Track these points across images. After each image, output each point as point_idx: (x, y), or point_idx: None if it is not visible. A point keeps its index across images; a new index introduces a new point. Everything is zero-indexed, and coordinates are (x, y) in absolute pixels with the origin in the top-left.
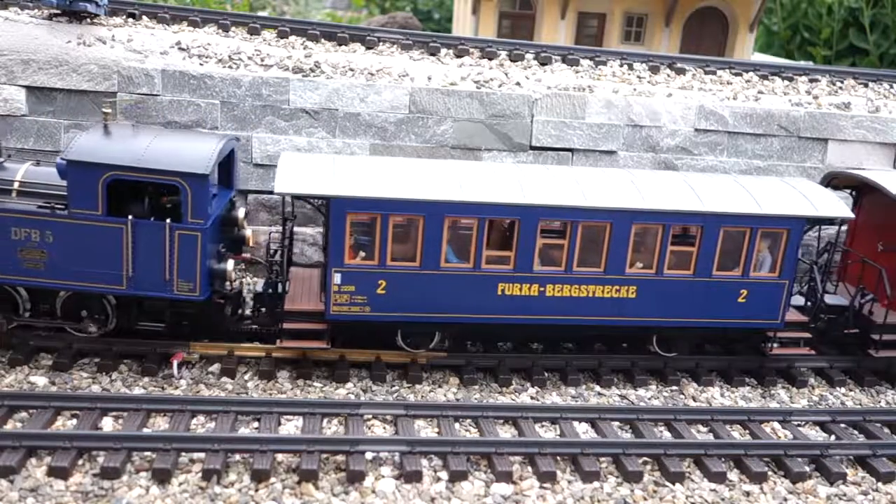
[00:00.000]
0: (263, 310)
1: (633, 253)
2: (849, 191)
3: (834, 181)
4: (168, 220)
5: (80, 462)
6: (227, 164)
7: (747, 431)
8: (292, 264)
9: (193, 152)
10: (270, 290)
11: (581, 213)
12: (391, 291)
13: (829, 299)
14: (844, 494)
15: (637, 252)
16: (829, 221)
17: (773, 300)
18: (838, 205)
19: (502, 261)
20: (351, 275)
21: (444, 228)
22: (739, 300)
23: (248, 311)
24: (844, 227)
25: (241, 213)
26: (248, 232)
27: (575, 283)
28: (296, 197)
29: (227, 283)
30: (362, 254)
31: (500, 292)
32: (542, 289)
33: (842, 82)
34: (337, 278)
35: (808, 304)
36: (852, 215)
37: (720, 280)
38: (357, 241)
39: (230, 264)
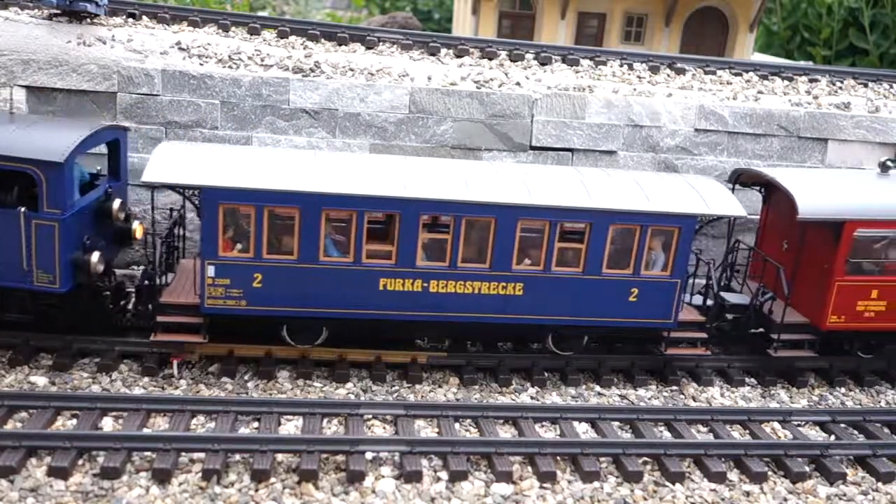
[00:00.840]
0: (142, 302)
1: (519, 249)
2: (757, 188)
3: (741, 178)
4: (23, 209)
5: (80, 462)
6: (113, 154)
7: (747, 431)
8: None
9: (52, 140)
10: (147, 282)
11: (464, 208)
12: (268, 285)
13: (733, 298)
14: (844, 494)
15: (524, 249)
16: (729, 219)
17: (665, 299)
18: (731, 203)
19: (384, 255)
20: (225, 267)
21: (322, 221)
22: (631, 299)
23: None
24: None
25: (115, 204)
26: (135, 225)
27: (459, 280)
28: (164, 186)
29: (95, 275)
30: (239, 246)
31: (382, 287)
32: (425, 284)
33: (842, 82)
34: (211, 271)
35: (706, 303)
36: (745, 214)
37: (610, 278)
38: (233, 232)
39: (95, 256)
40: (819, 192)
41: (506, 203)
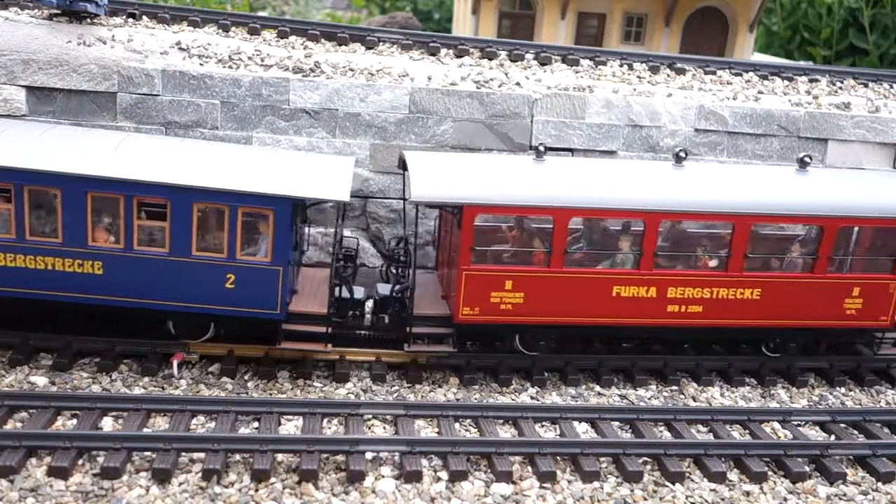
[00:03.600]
0: None
1: (95, 224)
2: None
3: (402, 161)
4: None
5: (80, 462)
6: None
7: (747, 431)
8: None
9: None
10: None
11: (27, 177)
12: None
13: (382, 289)
14: (844, 494)
15: (103, 224)
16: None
17: (266, 287)
18: (337, 187)
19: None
20: None
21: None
22: (228, 285)
23: None
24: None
25: None
26: None
27: (30, 254)
28: None
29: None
30: None
31: None
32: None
33: (842, 82)
34: None
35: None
36: (347, 199)
37: (201, 261)
38: None
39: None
40: (441, 174)
41: (74, 174)
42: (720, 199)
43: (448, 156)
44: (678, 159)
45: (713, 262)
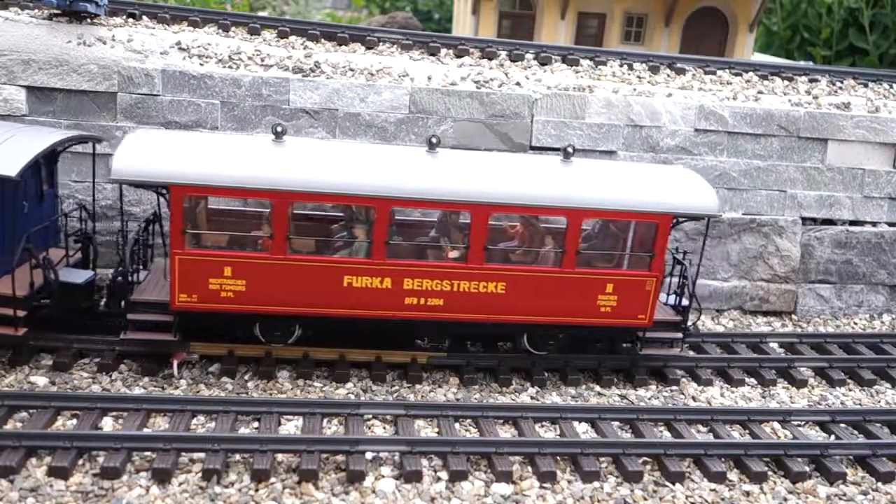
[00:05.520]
0: None
1: None
2: None
3: None
4: None
5: (80, 462)
6: None
7: (747, 431)
8: None
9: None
10: None
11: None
12: None
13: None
14: (844, 494)
15: None
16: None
17: None
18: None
19: None
20: None
21: None
22: None
23: None
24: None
25: None
26: None
27: None
28: None
29: None
30: None
31: None
32: None
33: (842, 82)
34: None
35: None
36: (13, 175)
37: None
38: None
39: None
40: (150, 151)
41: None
42: (459, 188)
43: (170, 134)
44: (431, 146)
45: (454, 254)
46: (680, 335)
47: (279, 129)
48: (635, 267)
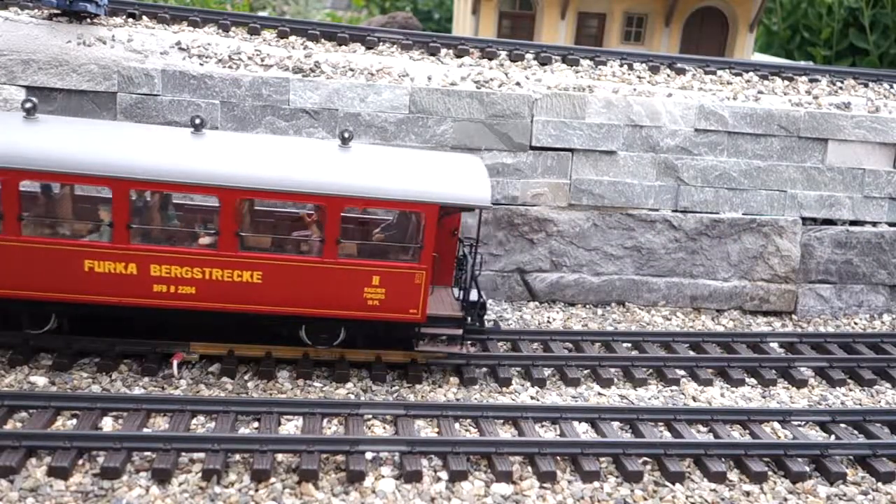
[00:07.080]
0: None
1: None
2: None
3: None
4: None
5: (80, 462)
6: None
7: (747, 431)
8: None
9: None
10: None
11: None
12: None
13: None
14: (844, 494)
15: None
16: None
17: None
18: None
19: None
20: None
21: None
22: None
23: None
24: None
25: None
26: None
27: None
28: None
29: None
30: None
31: None
32: None
33: (842, 82)
34: None
35: None
36: None
37: None
38: None
39: None
40: None
41: None
42: (205, 170)
43: None
44: (196, 128)
45: (206, 240)
46: (460, 332)
47: (28, 105)
48: (403, 259)
